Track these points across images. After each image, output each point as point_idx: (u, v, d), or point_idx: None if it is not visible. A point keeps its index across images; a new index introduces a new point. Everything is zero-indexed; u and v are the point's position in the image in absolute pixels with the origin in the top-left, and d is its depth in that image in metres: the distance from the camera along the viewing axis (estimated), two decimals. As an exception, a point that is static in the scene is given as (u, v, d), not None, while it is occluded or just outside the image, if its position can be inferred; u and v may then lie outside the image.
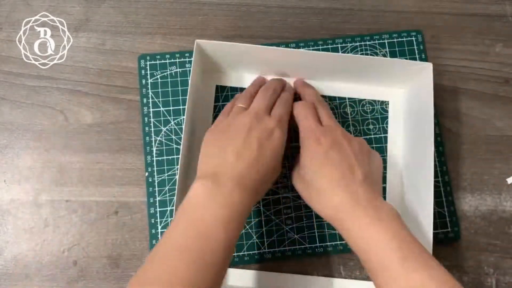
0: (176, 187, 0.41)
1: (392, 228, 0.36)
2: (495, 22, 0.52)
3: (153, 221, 0.46)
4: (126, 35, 0.51)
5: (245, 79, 0.49)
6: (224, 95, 0.49)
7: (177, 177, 0.42)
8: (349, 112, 0.49)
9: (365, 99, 0.49)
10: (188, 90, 0.42)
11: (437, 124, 0.49)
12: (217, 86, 0.49)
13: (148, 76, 0.49)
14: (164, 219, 0.46)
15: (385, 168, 0.48)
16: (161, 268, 0.34)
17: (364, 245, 0.36)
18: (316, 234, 0.46)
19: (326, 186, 0.39)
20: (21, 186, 0.47)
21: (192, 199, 0.37)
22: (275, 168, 0.41)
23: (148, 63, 0.50)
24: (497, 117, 0.49)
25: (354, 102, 0.49)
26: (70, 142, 0.48)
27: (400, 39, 0.50)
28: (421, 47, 0.50)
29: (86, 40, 0.50)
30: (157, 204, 0.46)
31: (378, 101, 0.49)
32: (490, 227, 0.47)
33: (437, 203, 0.47)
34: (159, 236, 0.46)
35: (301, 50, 0.43)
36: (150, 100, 0.49)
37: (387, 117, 0.49)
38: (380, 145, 0.48)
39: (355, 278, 0.46)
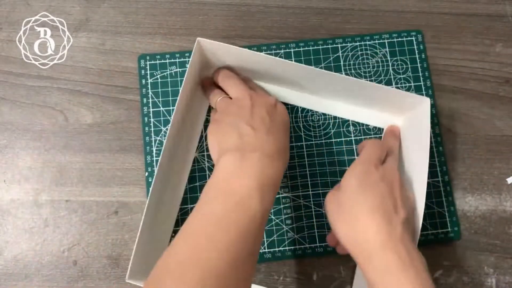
0: (151, 188, 0.41)
1: (422, 279, 0.35)
2: (495, 22, 0.52)
3: (153, 221, 0.46)
4: (126, 35, 0.51)
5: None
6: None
7: (154, 179, 0.42)
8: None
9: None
10: (183, 85, 0.41)
11: (437, 124, 0.49)
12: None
13: (148, 76, 0.49)
14: (164, 219, 0.46)
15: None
16: (197, 241, 0.34)
17: (389, 287, 0.35)
18: (316, 234, 0.46)
19: (365, 212, 0.37)
20: (21, 186, 0.47)
21: (222, 173, 0.37)
22: (287, 138, 0.41)
23: (148, 63, 0.49)
24: (497, 117, 0.49)
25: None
26: (70, 142, 0.48)
27: (400, 39, 0.50)
28: (421, 47, 0.50)
29: (86, 40, 0.50)
30: (157, 204, 0.46)
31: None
32: (490, 227, 0.47)
33: (437, 203, 0.47)
34: (159, 236, 0.46)
35: (301, 64, 0.41)
36: (150, 100, 0.49)
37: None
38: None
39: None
